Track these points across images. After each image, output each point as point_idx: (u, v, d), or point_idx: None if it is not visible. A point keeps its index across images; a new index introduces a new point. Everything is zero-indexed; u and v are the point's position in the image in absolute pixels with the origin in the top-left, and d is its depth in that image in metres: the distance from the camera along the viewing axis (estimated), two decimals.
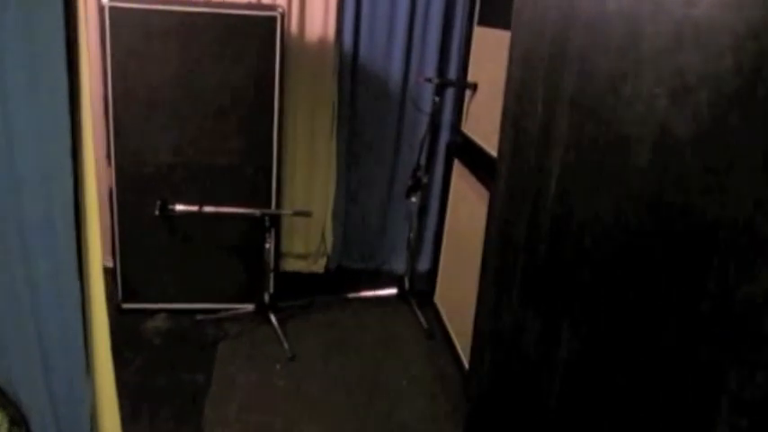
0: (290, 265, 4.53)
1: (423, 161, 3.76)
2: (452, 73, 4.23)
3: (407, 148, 4.37)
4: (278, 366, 3.41)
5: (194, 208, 3.43)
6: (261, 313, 3.71)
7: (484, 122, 3.31)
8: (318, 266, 4.54)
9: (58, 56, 1.60)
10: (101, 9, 3.23)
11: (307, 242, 4.51)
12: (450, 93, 4.05)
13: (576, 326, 1.68)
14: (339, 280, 4.46)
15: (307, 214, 3.59)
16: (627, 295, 1.50)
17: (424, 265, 4.61)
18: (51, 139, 1.67)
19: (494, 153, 3.09)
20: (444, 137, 4.32)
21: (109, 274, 3.87)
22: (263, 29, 3.36)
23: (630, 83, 1.42)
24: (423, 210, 4.25)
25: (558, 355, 1.77)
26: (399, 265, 4.58)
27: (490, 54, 3.26)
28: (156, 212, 3.40)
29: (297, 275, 4.46)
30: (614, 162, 1.50)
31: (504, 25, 3.02)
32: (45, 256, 1.80)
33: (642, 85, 1.40)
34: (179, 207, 3.44)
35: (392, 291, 4.14)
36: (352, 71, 4.20)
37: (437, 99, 3.58)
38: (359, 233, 4.61)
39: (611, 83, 1.47)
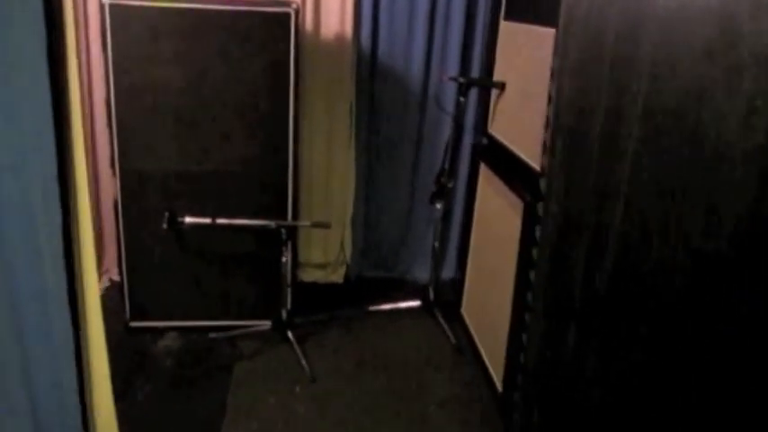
0: (308, 275, 4.29)
1: (447, 165, 3.51)
2: (476, 71, 3.97)
3: (429, 150, 4.13)
4: (297, 389, 3.18)
5: (206, 220, 3.20)
6: (278, 331, 3.48)
7: (513, 124, 3.05)
8: (338, 276, 4.30)
9: (39, 66, 1.37)
10: (101, 7, 2.99)
11: (325, 251, 4.28)
12: (473, 91, 3.79)
13: (650, 366, 1.44)
14: (359, 290, 4.22)
15: (325, 226, 3.35)
16: (712, 330, 1.26)
17: (447, 272, 4.37)
18: (34, 161, 1.44)
19: (525, 157, 2.85)
20: (468, 138, 4.07)
21: (116, 289, 3.68)
22: (276, 26, 3.12)
23: (723, 93, 1.17)
24: (446, 215, 3.99)
25: (627, 398, 1.52)
26: (422, 273, 4.34)
27: (519, 51, 3.01)
28: (165, 226, 3.17)
29: (315, 286, 4.23)
30: (701, 182, 1.25)
31: (535, 20, 2.77)
32: (30, 285, 1.57)
33: (739, 96, 1.15)
34: (189, 219, 3.20)
35: (416, 303, 3.89)
36: (370, 70, 3.96)
37: (462, 99, 3.32)
38: (379, 241, 4.37)
39: (696, 92, 1.22)
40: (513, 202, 2.93)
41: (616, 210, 1.43)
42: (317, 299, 4.02)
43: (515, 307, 2.86)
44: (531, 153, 2.77)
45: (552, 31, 2.53)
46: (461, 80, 3.30)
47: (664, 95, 1.29)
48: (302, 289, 4.01)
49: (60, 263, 1.59)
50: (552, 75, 2.10)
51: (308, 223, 3.35)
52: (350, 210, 4.20)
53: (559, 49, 1.71)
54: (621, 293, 1.47)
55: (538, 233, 1.95)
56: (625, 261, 1.43)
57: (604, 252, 1.48)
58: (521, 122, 2.93)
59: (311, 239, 4.22)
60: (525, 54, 2.89)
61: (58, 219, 1.54)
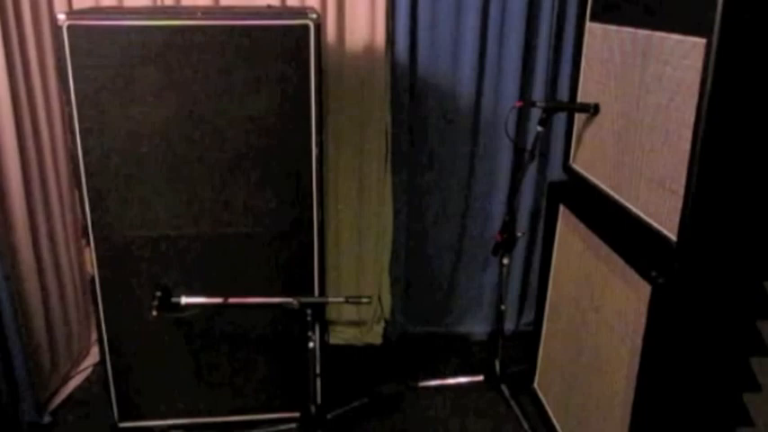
0: (339, 335, 3.39)
1: (516, 212, 2.59)
2: (538, 89, 3.06)
3: (483, 185, 3.21)
4: None
5: (215, 300, 2.31)
6: (306, 428, 2.58)
7: (620, 164, 2.11)
8: (375, 336, 3.39)
9: None
10: (57, 31, 2.10)
11: (359, 306, 3.37)
12: (536, 114, 2.83)
13: None
14: (403, 353, 3.31)
15: (363, 301, 2.42)
16: None
17: (507, 325, 3.44)
18: None
19: (645, 216, 1.94)
20: (532, 172, 3.16)
21: (96, 380, 2.82)
22: (292, 43, 2.20)
23: None
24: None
25: None
26: (476, 326, 3.45)
27: (626, 65, 2.08)
28: (154, 312, 2.29)
29: (348, 350, 3.32)
30: None
31: (661, 24, 1.84)
32: None
33: None
34: (187, 300, 2.33)
35: (478, 378, 2.97)
36: (409, 91, 3.03)
37: (540, 129, 2.39)
38: (423, 292, 3.43)
39: None
40: (625, 275, 2.01)
41: None
42: (351, 369, 3.13)
43: (638, 417, 1.97)
44: (659, 214, 1.86)
45: (701, 41, 1.63)
46: (542, 104, 2.37)
47: None
48: (332, 355, 3.13)
49: None
50: None
51: (341, 299, 2.43)
52: (387, 256, 3.31)
53: None
54: None
55: None
56: None
57: None
58: (635, 164, 2.01)
59: (341, 294, 3.32)
60: (640, 70, 1.97)
61: None
